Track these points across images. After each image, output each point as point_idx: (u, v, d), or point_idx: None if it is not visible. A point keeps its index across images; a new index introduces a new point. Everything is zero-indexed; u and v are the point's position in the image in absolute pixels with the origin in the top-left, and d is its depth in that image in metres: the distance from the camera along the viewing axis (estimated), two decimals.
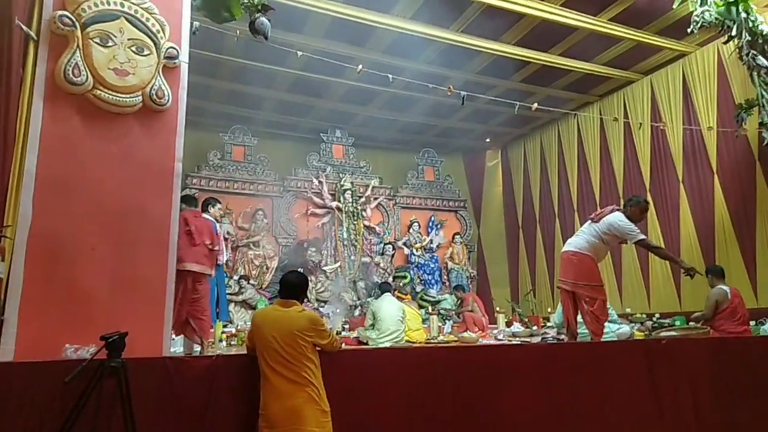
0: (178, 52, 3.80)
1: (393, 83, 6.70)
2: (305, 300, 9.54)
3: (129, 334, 2.83)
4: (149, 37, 3.65)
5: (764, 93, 6.16)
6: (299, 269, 9.27)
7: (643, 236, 4.76)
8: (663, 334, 5.41)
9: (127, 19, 3.57)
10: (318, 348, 3.15)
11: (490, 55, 7.97)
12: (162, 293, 3.50)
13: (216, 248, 4.86)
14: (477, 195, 12.58)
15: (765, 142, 6.37)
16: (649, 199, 8.53)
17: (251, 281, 9.25)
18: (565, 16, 7.07)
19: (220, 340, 5.82)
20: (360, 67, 5.75)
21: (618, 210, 4.87)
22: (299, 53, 5.44)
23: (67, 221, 3.29)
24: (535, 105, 6.74)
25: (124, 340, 2.80)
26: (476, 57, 8.10)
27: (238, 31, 4.81)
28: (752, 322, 6.07)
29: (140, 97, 3.60)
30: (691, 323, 5.96)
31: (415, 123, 10.65)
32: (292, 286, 3.26)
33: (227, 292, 8.64)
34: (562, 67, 8.37)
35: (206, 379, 3.13)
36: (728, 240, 7.48)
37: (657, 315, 7.50)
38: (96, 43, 3.46)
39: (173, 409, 3.02)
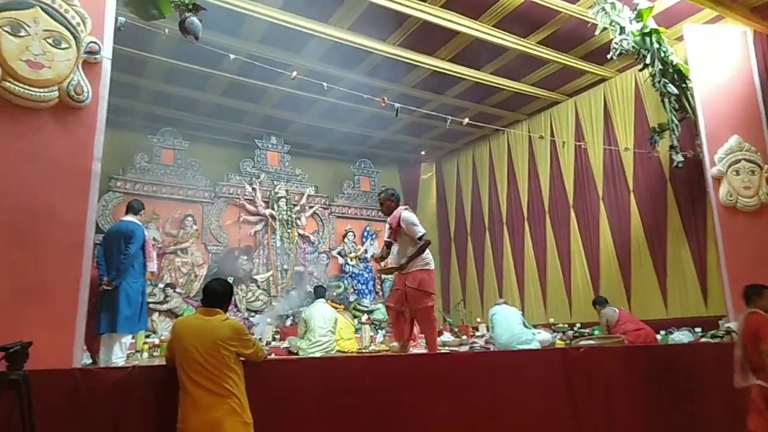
0: (100, 47, 3.62)
1: (330, 92, 6.67)
2: (236, 310, 9.38)
3: (34, 345, 2.63)
4: (68, 30, 3.47)
5: (674, 118, 6.65)
6: (229, 278, 9.04)
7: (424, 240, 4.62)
8: (582, 342, 5.66)
9: (42, 9, 3.38)
10: (242, 358, 3.06)
11: (425, 69, 8.15)
12: (74, 301, 3.30)
13: None
14: (411, 206, 12.59)
15: (675, 164, 6.86)
16: (572, 213, 9.02)
17: (177, 289, 8.89)
18: (497, 37, 7.33)
19: (137, 351, 5.55)
20: (294, 73, 5.68)
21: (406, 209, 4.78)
22: (232, 56, 5.32)
23: None
24: (466, 120, 6.91)
25: (27, 351, 2.60)
26: (412, 71, 8.24)
27: (166, 30, 4.64)
28: (662, 332, 6.48)
29: (56, 92, 3.41)
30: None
31: (351, 133, 10.65)
32: (216, 294, 3.15)
33: (150, 300, 8.27)
34: (494, 85, 8.67)
35: (119, 392, 2.96)
36: (642, 254, 7.96)
37: (578, 324, 7.85)
38: (5, 31, 3.25)
39: (81, 425, 2.84)
